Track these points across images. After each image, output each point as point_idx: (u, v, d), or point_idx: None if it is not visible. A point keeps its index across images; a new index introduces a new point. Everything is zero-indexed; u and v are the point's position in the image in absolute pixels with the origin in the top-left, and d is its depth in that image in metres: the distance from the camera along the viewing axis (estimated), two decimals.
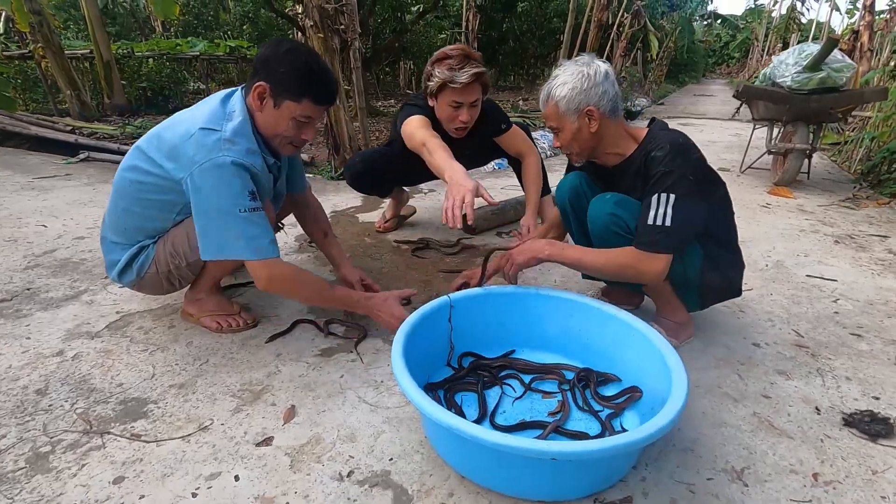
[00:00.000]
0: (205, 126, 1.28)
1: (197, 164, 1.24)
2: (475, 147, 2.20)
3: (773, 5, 12.20)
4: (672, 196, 1.23)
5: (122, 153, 3.53)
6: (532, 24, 11.40)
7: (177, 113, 1.41)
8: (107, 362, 1.40)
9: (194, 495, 0.98)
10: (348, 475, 1.03)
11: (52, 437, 1.12)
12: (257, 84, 1.30)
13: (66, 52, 5.99)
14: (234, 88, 1.41)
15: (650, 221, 1.24)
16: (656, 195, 1.25)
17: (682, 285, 1.41)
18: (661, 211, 1.23)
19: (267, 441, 1.12)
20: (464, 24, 9.65)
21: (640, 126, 1.41)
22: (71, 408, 1.21)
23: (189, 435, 1.13)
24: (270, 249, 1.31)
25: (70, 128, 4.72)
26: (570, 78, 1.32)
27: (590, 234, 1.42)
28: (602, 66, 1.33)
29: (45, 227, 2.45)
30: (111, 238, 1.49)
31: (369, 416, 1.21)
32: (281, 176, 1.55)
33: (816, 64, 3.15)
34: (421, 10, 8.25)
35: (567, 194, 1.55)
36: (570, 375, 1.31)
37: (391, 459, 1.07)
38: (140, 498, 0.97)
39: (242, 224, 1.26)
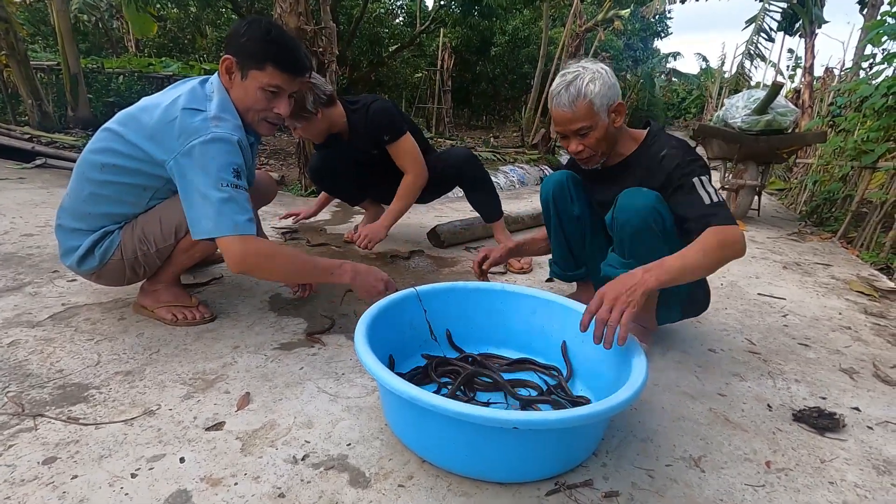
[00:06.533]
0: (188, 107, 1.27)
1: (184, 145, 1.23)
2: (380, 166, 2.21)
3: (721, 66, 13.17)
4: (705, 177, 1.28)
5: None
6: (504, 69, 11.94)
7: (146, 98, 1.39)
8: (47, 349, 1.31)
9: (133, 476, 0.91)
10: (303, 458, 0.98)
11: None
12: (224, 58, 1.32)
13: (32, 62, 5.86)
14: (210, 75, 1.42)
15: (708, 201, 1.25)
16: (696, 179, 1.27)
17: (672, 296, 1.39)
18: (708, 190, 1.26)
19: (218, 426, 1.06)
20: (439, 63, 10.01)
21: (637, 129, 1.46)
22: (1, 391, 1.12)
23: (133, 419, 1.06)
24: (247, 226, 1.26)
25: (28, 135, 4.56)
26: (595, 76, 1.30)
27: (618, 226, 1.32)
28: (604, 65, 1.35)
29: None
30: (70, 225, 1.42)
31: (328, 405, 1.17)
32: (253, 161, 1.53)
33: (764, 107, 3.42)
34: (398, 46, 8.53)
35: (552, 190, 1.60)
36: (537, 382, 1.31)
37: (349, 445, 1.03)
38: (72, 478, 0.89)
39: (223, 199, 1.22)
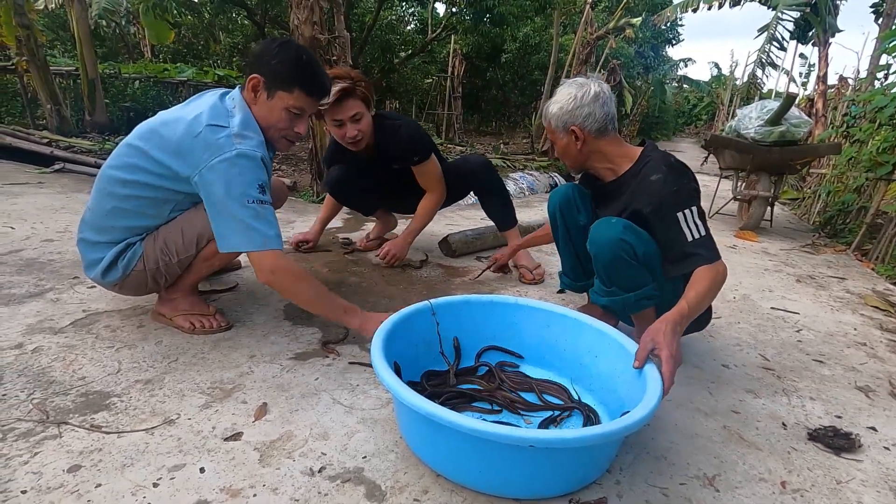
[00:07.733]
0: (211, 123, 1.30)
1: (208, 161, 1.26)
2: (398, 178, 2.22)
3: (732, 73, 13.04)
4: (694, 209, 1.28)
5: (100, 167, 3.49)
6: (514, 75, 11.95)
7: (164, 111, 1.41)
8: (69, 356, 1.34)
9: (155, 485, 0.93)
10: (320, 470, 1.00)
11: (2, 426, 1.05)
12: (251, 77, 1.36)
13: (51, 68, 5.98)
14: (229, 89, 1.45)
15: (691, 238, 1.26)
16: (679, 213, 1.27)
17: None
18: (692, 225, 1.27)
19: (236, 436, 1.08)
20: (449, 69, 10.06)
21: (634, 147, 1.47)
22: (27, 398, 1.15)
23: (153, 428, 1.09)
24: (276, 241, 1.31)
25: (47, 140, 4.65)
26: (561, 98, 1.43)
27: (593, 258, 1.40)
28: (593, 88, 1.40)
29: (12, 228, 2.38)
30: (93, 238, 1.45)
31: (344, 416, 1.18)
32: (271, 175, 1.56)
33: (777, 118, 3.40)
34: (409, 53, 8.58)
35: (559, 202, 1.65)
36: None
37: (364, 457, 1.05)
38: (96, 486, 0.91)
39: (250, 215, 1.27)
